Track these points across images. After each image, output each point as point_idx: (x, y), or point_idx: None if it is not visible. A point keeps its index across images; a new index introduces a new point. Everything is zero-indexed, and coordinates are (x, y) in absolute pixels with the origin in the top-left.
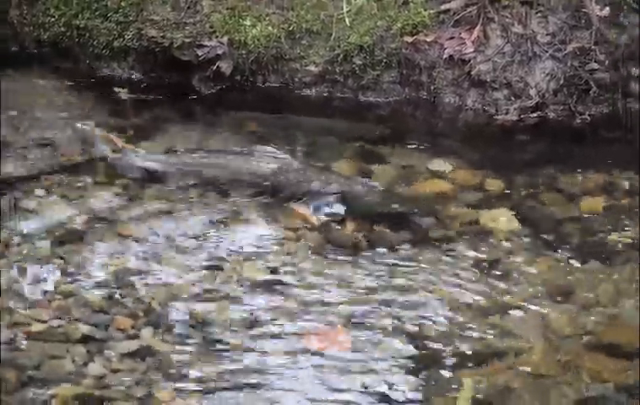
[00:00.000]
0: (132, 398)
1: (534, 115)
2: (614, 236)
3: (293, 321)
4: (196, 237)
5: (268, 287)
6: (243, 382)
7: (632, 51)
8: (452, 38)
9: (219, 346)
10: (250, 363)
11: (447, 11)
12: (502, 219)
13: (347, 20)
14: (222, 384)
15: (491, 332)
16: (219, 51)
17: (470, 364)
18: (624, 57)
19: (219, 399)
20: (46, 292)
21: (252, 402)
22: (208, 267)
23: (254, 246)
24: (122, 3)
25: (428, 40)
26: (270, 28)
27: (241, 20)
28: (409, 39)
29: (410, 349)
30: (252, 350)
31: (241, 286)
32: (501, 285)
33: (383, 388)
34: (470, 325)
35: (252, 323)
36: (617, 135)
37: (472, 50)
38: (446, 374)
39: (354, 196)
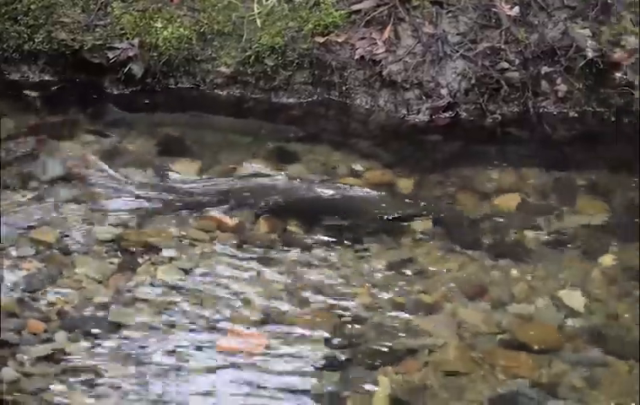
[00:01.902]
0: (46, 403)
1: (446, 114)
2: (527, 234)
3: (208, 322)
4: (110, 240)
5: (183, 288)
6: (158, 384)
7: (542, 50)
8: (363, 38)
9: (133, 348)
10: (165, 364)
11: (358, 11)
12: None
13: (258, 21)
14: (137, 386)
15: (406, 330)
16: (130, 53)
17: (386, 363)
18: (533, 56)
19: (134, 402)
20: None
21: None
22: (121, 270)
23: (167, 248)
24: (32, 6)
25: (339, 40)
26: (181, 29)
27: (152, 22)
28: (320, 39)
29: (325, 349)
30: (167, 352)
31: (156, 288)
32: (415, 284)
33: (298, 388)
34: (385, 323)
35: (167, 325)
36: (527, 134)
37: (383, 50)
38: (361, 373)
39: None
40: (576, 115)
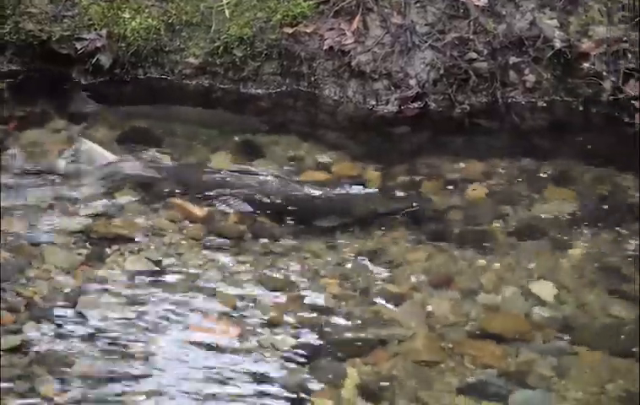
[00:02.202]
0: (15, 394)
1: (415, 105)
2: (495, 224)
3: (177, 313)
4: (78, 231)
5: (152, 278)
6: (127, 375)
7: (510, 41)
8: (331, 29)
9: (102, 339)
10: (134, 355)
11: (326, 2)
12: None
13: (227, 12)
14: (106, 377)
15: (375, 320)
16: (99, 44)
17: (355, 353)
18: (502, 47)
19: (103, 392)
20: None
21: (135, 395)
22: (90, 261)
23: (136, 238)
24: None
25: (308, 31)
26: (150, 20)
27: (119, 13)
28: (289, 30)
29: (294, 340)
30: (136, 342)
31: (124, 278)
32: (384, 274)
33: (267, 379)
34: (354, 314)
35: (136, 315)
36: (496, 124)
37: (352, 40)
38: (330, 363)
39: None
40: (544, 104)
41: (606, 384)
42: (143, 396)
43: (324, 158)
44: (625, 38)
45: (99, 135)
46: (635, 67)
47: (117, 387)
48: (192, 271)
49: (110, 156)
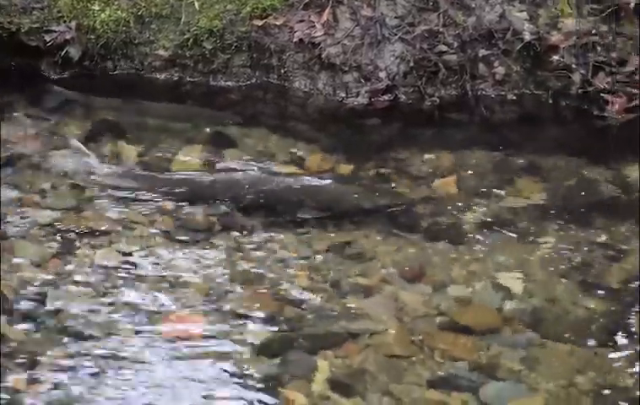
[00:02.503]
0: None
1: (385, 97)
2: (465, 217)
3: (147, 305)
4: (48, 224)
5: (122, 271)
6: (97, 368)
7: (480, 33)
8: (301, 21)
9: (72, 332)
10: (104, 348)
11: None
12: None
13: (196, 4)
14: (76, 370)
15: (346, 313)
16: (68, 36)
17: (326, 346)
18: (471, 39)
19: (73, 386)
20: None
21: (105, 388)
22: (60, 254)
23: (106, 232)
24: None
25: (278, 23)
26: (119, 12)
27: (89, 5)
28: (258, 22)
29: (264, 332)
30: (106, 335)
31: (95, 271)
32: (355, 267)
33: (237, 371)
34: (325, 307)
35: (106, 308)
36: (465, 117)
37: (322, 33)
38: (301, 356)
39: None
40: (514, 97)
41: (576, 376)
42: (114, 389)
43: (294, 150)
44: (594, 31)
45: (68, 129)
46: (604, 60)
47: (87, 381)
48: (162, 263)
49: (93, 160)
